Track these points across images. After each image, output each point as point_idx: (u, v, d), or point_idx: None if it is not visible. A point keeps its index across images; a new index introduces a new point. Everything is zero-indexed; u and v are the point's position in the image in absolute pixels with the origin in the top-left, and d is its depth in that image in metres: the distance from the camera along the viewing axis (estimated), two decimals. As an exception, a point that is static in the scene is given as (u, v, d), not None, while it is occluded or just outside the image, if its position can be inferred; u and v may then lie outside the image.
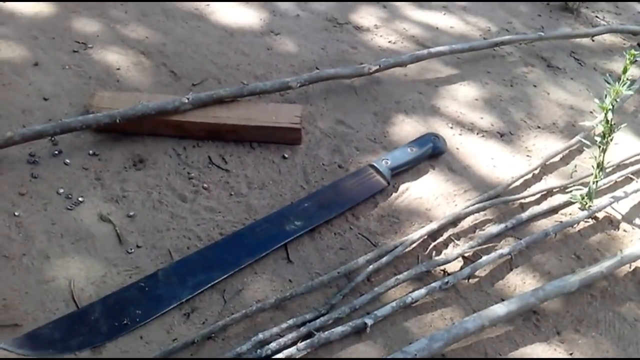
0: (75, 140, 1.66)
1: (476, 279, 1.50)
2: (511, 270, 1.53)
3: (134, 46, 2.03)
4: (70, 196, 1.52)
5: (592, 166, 1.66)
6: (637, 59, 1.51)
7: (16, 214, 1.45)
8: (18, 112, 1.72)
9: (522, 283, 1.51)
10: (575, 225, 1.65)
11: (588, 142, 1.71)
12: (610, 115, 1.57)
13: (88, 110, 1.69)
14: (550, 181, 1.78)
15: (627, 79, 1.52)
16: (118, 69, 1.93)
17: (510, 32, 2.41)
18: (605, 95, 1.57)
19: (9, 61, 1.89)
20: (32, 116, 1.72)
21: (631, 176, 1.83)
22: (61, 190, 1.53)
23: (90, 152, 1.65)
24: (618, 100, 1.56)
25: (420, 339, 1.28)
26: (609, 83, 1.54)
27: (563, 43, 2.39)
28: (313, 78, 1.90)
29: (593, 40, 2.43)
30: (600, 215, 1.71)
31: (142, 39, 2.07)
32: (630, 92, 1.55)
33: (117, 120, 1.63)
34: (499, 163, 1.82)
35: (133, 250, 1.42)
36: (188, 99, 1.72)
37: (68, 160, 1.61)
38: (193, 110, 1.73)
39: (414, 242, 1.51)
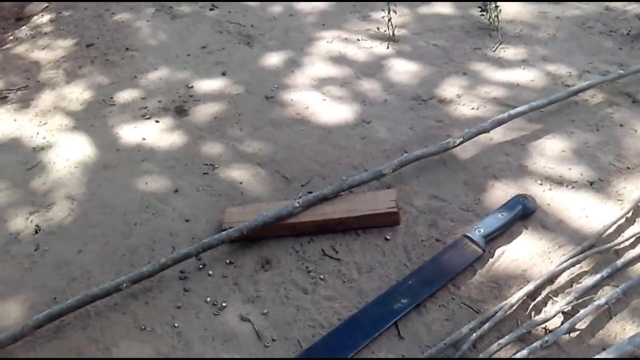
0: (214, 253, 2.01)
1: (577, 332, 1.61)
2: (610, 319, 1.63)
3: (251, 159, 2.39)
4: (215, 303, 1.85)
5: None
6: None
7: (175, 325, 1.80)
8: (167, 236, 2.11)
9: (622, 330, 1.60)
10: (673, 265, 1.71)
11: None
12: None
13: (222, 226, 2.04)
14: (644, 223, 1.85)
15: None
16: (241, 182, 2.29)
17: (592, 72, 2.50)
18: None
19: (155, 192, 2.32)
20: (178, 237, 2.10)
21: None
22: (208, 299, 1.87)
23: (227, 261, 1.99)
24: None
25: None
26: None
27: (648, 74, 2.43)
28: (403, 162, 2.13)
29: (680, 65, 2.45)
30: (700, 251, 1.75)
31: (257, 151, 2.43)
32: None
33: (244, 232, 1.96)
34: (591, 213, 1.92)
35: (270, 344, 1.71)
36: (299, 202, 2.02)
37: (211, 272, 1.96)
38: (304, 211, 2.03)
39: (512, 305, 1.66)
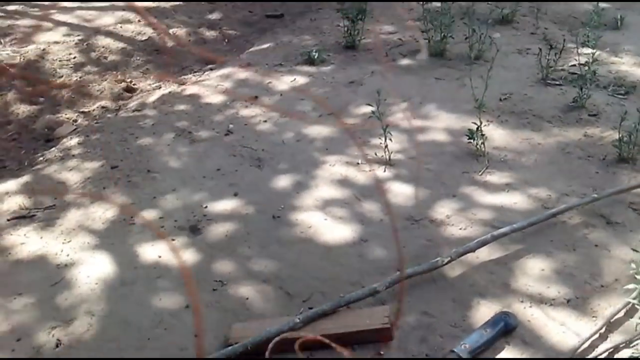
0: (221, 366, 2.18)
1: None
2: None
3: (257, 276, 2.60)
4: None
5: (645, 323, 1.89)
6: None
7: None
8: (177, 351, 2.28)
9: None
10: (643, 380, 1.85)
11: (635, 302, 1.95)
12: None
13: (228, 341, 2.22)
14: (615, 338, 2.01)
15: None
16: (247, 298, 2.49)
17: (570, 195, 2.73)
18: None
19: (168, 308, 2.51)
20: (187, 352, 2.27)
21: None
22: (214, 411, 2.01)
23: (232, 374, 2.15)
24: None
25: None
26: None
27: (621, 197, 2.66)
28: (395, 280, 2.33)
29: (649, 189, 2.68)
30: (668, 365, 1.89)
31: (263, 268, 2.64)
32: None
33: (249, 347, 2.14)
34: (567, 329, 2.08)
35: None
36: (299, 318, 2.21)
37: (217, 384, 2.11)
38: (304, 326, 2.21)
39: (493, 417, 1.80)
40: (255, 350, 2.18)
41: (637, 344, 1.93)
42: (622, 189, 2.68)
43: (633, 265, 2.24)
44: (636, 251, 1.82)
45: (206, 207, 3.15)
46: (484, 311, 2.21)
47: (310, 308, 2.30)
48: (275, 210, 3.03)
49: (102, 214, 3.23)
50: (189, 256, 2.80)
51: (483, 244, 2.45)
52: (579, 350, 1.98)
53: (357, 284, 2.45)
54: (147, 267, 2.77)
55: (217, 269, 2.70)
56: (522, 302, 2.23)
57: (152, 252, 2.86)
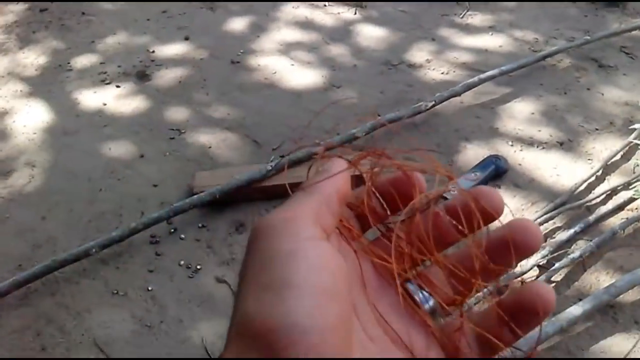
0: (185, 217, 1.95)
1: (553, 284, 1.64)
2: (585, 271, 1.66)
3: (219, 124, 2.33)
4: (189, 266, 1.80)
5: (650, 161, 1.77)
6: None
7: (149, 288, 1.75)
8: (134, 201, 2.04)
9: (597, 281, 1.64)
10: (642, 219, 1.76)
11: (638, 142, 1.82)
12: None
13: (192, 190, 1.99)
14: (614, 180, 1.90)
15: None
16: (209, 147, 2.23)
17: (558, 39, 2.53)
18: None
19: (120, 157, 2.23)
20: (147, 202, 2.03)
21: (694, 162, 1.91)
22: (182, 262, 1.82)
23: (199, 225, 1.94)
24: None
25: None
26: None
27: (612, 40, 2.48)
28: (376, 125, 2.12)
29: (641, 31, 2.51)
30: (667, 205, 1.80)
31: (225, 116, 2.37)
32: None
33: (217, 196, 1.91)
34: (562, 172, 1.95)
35: (248, 305, 1.67)
36: (271, 166, 1.98)
37: (183, 235, 1.90)
38: (276, 174, 2.00)
39: (489, 260, 1.68)
40: (224, 199, 1.96)
41: (636, 186, 1.82)
42: (616, 31, 2.49)
43: (630, 108, 2.10)
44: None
45: (153, 51, 2.79)
46: (472, 155, 2.05)
47: (282, 156, 2.07)
48: (233, 55, 2.71)
49: (34, 60, 2.82)
50: (139, 103, 2.49)
51: (469, 87, 2.24)
52: (575, 192, 1.85)
53: (333, 132, 2.22)
54: (91, 115, 2.44)
55: (172, 116, 2.41)
56: (511, 145, 2.07)
57: (96, 99, 2.52)
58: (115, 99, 2.50)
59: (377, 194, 0.51)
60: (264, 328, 0.37)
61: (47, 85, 2.64)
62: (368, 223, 0.51)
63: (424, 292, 0.48)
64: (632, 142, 1.90)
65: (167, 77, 2.62)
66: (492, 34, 2.64)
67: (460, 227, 0.49)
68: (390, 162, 0.54)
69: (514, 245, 0.45)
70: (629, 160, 1.95)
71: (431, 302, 0.48)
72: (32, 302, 1.73)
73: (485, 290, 0.48)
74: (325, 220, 0.45)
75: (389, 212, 0.51)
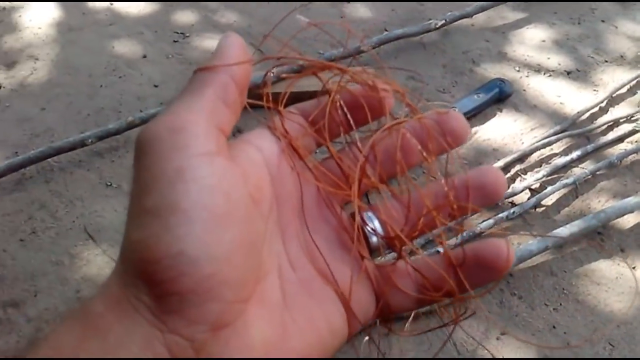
0: (183, 119, 1.95)
1: (542, 208, 1.64)
2: (577, 197, 1.66)
3: (224, 30, 2.29)
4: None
5: (655, 93, 1.74)
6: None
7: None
8: (134, 100, 2.04)
9: (587, 208, 1.64)
10: (640, 152, 1.74)
11: (649, 72, 1.78)
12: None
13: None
14: (617, 112, 1.87)
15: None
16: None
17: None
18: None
19: (122, 56, 2.21)
20: (146, 102, 2.03)
21: (700, 99, 1.87)
22: (177, 161, 1.83)
23: (197, 127, 1.94)
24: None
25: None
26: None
27: (635, -28, 2.39)
28: (383, 40, 2.08)
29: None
30: (668, 139, 1.78)
31: (231, 22, 2.33)
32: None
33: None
34: (566, 100, 1.92)
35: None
36: (273, 73, 1.96)
37: (180, 136, 1.90)
38: (278, 82, 1.98)
39: (482, 179, 1.68)
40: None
41: (638, 119, 1.79)
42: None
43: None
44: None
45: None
46: (477, 78, 2.01)
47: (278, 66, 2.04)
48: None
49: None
50: (145, 5, 2.45)
51: (482, 8, 2.18)
52: (577, 121, 1.83)
53: (338, 45, 2.19)
54: (97, 12, 2.41)
55: (177, 20, 2.37)
56: (518, 71, 2.04)
57: (102, -3, 2.48)
58: (121, -1, 2.47)
59: (343, 107, 0.46)
60: (149, 259, 0.32)
61: (53, -20, 2.59)
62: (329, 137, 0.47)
63: (374, 222, 0.44)
64: (640, 74, 1.86)
65: (175, -20, 2.56)
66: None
67: (423, 149, 0.45)
68: (355, 77, 0.49)
69: (480, 188, 0.43)
70: (634, 94, 1.92)
71: (374, 239, 0.44)
72: (26, 188, 1.75)
73: (440, 228, 0.44)
74: (222, 118, 0.40)
75: (353, 126, 0.47)
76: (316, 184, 0.44)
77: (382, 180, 0.45)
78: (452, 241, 0.46)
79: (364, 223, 0.43)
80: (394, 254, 0.43)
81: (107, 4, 2.44)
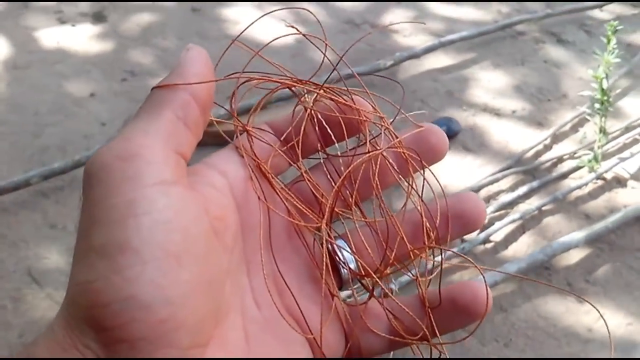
0: (132, 158, 1.92)
1: (491, 244, 1.66)
2: (524, 233, 1.69)
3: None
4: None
5: (595, 131, 1.80)
6: (617, 28, 1.64)
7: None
8: (81, 138, 1.99)
9: (534, 244, 1.67)
10: (584, 187, 1.79)
11: (588, 110, 1.85)
12: (605, 84, 1.71)
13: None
14: (561, 149, 1.93)
15: (614, 48, 1.65)
16: (163, 91, 2.19)
17: (521, 12, 2.55)
18: (598, 66, 1.71)
19: (70, 94, 2.18)
20: (93, 140, 1.99)
21: (638, 137, 1.94)
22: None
23: (146, 166, 1.90)
24: (610, 69, 1.70)
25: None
26: (596, 54, 1.68)
27: (573, 16, 2.50)
28: (334, 79, 2.10)
29: (602, 11, 2.54)
30: (609, 175, 1.84)
31: (181, 61, 2.32)
32: (618, 60, 1.68)
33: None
34: (511, 138, 1.98)
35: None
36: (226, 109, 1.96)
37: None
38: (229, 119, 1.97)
39: (432, 216, 1.70)
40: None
41: (581, 155, 1.85)
42: (577, 7, 2.51)
43: (583, 83, 2.14)
44: (596, 53, 1.68)
45: (112, -7, 2.72)
46: (426, 117, 2.05)
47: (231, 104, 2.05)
48: (194, 3, 2.65)
49: (-14, -8, 2.72)
50: (95, 44, 2.42)
51: (430, 50, 2.24)
52: (523, 158, 1.88)
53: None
54: (44, 51, 2.37)
55: (126, 59, 2.35)
56: (465, 110, 2.09)
57: (50, 37, 2.44)
58: (69, 38, 2.43)
59: (318, 124, 0.44)
60: (96, 303, 0.29)
61: (1, 20, 2.54)
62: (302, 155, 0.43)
63: (345, 253, 0.41)
64: (582, 111, 1.93)
65: (124, 19, 2.55)
66: (458, 4, 2.64)
67: (400, 170, 0.43)
68: (330, 93, 0.48)
69: (460, 216, 0.42)
70: (577, 131, 1.99)
71: (344, 271, 0.41)
72: (-34, 230, 1.68)
73: (417, 261, 0.42)
74: (182, 140, 0.36)
75: (335, 140, 0.44)
76: (284, 216, 0.41)
77: (356, 202, 0.43)
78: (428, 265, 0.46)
79: (335, 254, 0.41)
80: (366, 293, 0.41)
81: (54, 43, 2.40)
